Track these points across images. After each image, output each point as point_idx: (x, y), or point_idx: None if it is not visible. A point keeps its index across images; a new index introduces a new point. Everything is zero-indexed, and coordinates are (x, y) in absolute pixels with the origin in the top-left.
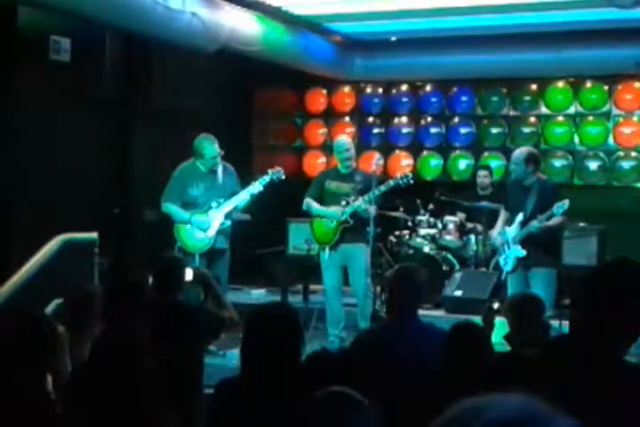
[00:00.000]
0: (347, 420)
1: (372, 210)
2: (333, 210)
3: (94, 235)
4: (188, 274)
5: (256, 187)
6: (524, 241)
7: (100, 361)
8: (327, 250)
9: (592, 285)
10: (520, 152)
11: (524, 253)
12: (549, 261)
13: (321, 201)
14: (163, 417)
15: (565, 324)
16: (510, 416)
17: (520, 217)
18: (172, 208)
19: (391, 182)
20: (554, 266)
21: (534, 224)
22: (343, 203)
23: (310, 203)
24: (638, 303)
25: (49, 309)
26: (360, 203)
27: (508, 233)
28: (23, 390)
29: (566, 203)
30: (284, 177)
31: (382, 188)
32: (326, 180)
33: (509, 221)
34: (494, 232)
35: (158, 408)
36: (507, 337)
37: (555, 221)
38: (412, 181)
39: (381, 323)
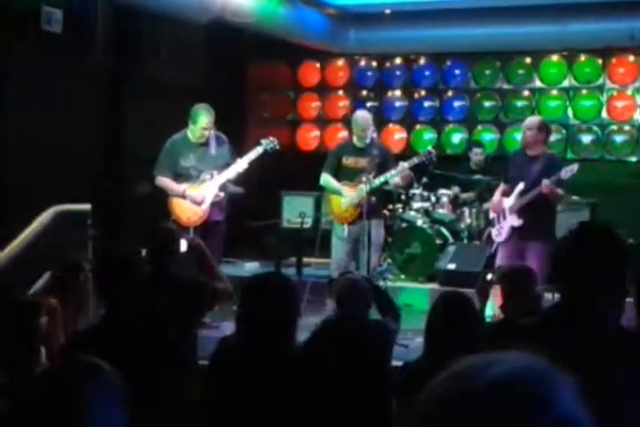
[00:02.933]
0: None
1: (398, 182)
2: (350, 193)
3: (87, 206)
4: (183, 245)
5: (250, 157)
6: (522, 211)
7: (102, 334)
8: (346, 226)
9: (567, 254)
10: (534, 118)
11: (519, 222)
12: (546, 235)
13: (337, 176)
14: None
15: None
16: (516, 372)
17: (521, 186)
18: (164, 181)
19: (415, 160)
20: (550, 240)
21: (543, 183)
22: (363, 179)
23: (328, 179)
24: (615, 265)
25: (41, 281)
26: (383, 180)
27: (504, 204)
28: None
29: (575, 167)
30: (278, 147)
31: (406, 164)
32: (343, 154)
33: (508, 194)
34: (490, 204)
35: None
36: (500, 307)
37: (559, 191)
38: (435, 159)
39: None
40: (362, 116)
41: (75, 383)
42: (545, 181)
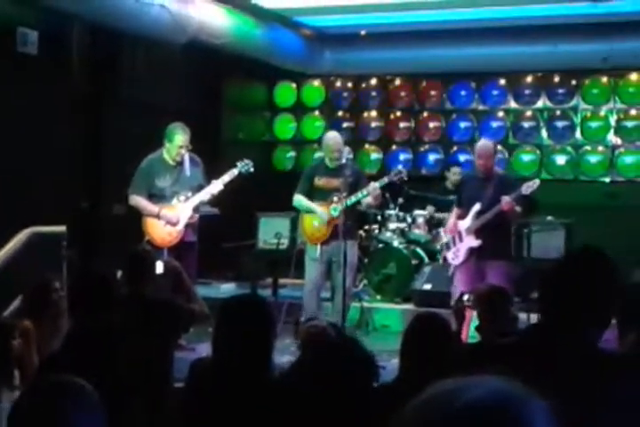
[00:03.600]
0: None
1: (370, 202)
2: (323, 210)
3: (62, 228)
4: (159, 267)
5: (225, 179)
6: (479, 231)
7: (72, 354)
8: (318, 246)
9: (559, 275)
10: (488, 144)
11: (478, 242)
12: (506, 254)
13: (310, 196)
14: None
15: (533, 317)
16: (489, 397)
17: (477, 207)
18: (139, 201)
19: (386, 179)
20: (511, 258)
21: (504, 199)
22: (335, 199)
23: (301, 199)
24: (605, 290)
25: (15, 303)
26: (354, 200)
27: (460, 226)
28: None
29: (537, 182)
30: (252, 169)
31: (376, 184)
32: (315, 175)
33: (462, 217)
34: (445, 229)
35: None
36: (477, 328)
37: (517, 208)
38: (405, 178)
39: None
40: (332, 137)
41: (57, 401)
42: (505, 198)
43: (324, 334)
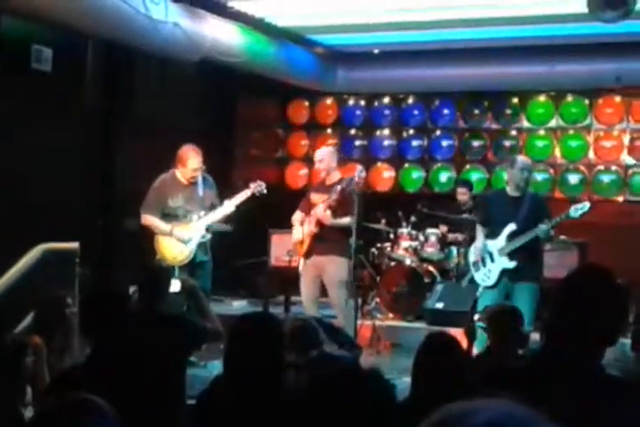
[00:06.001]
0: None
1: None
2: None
3: (75, 245)
4: (174, 285)
5: (237, 200)
6: (514, 253)
7: (91, 371)
8: (302, 260)
9: (561, 295)
10: (527, 159)
11: (512, 264)
12: (536, 276)
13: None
14: None
15: None
16: (494, 422)
17: (512, 227)
18: (151, 220)
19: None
20: (539, 281)
21: (542, 228)
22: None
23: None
24: (609, 309)
25: (27, 319)
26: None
27: (490, 246)
28: None
29: (587, 205)
30: (265, 191)
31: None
32: (311, 191)
33: (492, 235)
34: (473, 248)
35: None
36: (487, 348)
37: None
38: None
39: None
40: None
41: (74, 419)
42: (543, 229)
43: (306, 325)
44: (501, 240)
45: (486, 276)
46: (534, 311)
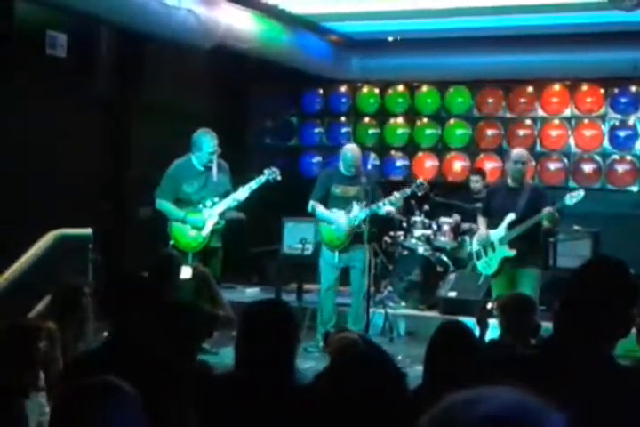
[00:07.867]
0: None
1: (391, 210)
2: (339, 221)
3: (88, 231)
4: (186, 272)
5: (252, 186)
6: (514, 241)
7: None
8: (337, 253)
9: (573, 285)
10: (523, 151)
11: (512, 252)
12: (538, 262)
13: (326, 204)
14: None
15: None
16: (503, 410)
17: (512, 217)
18: (165, 205)
19: (407, 191)
20: (542, 266)
21: (546, 210)
22: (356, 207)
23: (316, 207)
24: (621, 300)
25: (40, 305)
26: (375, 209)
27: (491, 236)
28: None
29: (581, 193)
30: (279, 178)
31: (398, 195)
32: (332, 183)
33: (493, 225)
34: (476, 237)
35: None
36: (500, 337)
37: (556, 216)
38: (425, 190)
39: None
40: (351, 154)
41: (96, 401)
42: (549, 209)
43: (354, 345)
44: (501, 229)
45: (487, 264)
46: (537, 297)
